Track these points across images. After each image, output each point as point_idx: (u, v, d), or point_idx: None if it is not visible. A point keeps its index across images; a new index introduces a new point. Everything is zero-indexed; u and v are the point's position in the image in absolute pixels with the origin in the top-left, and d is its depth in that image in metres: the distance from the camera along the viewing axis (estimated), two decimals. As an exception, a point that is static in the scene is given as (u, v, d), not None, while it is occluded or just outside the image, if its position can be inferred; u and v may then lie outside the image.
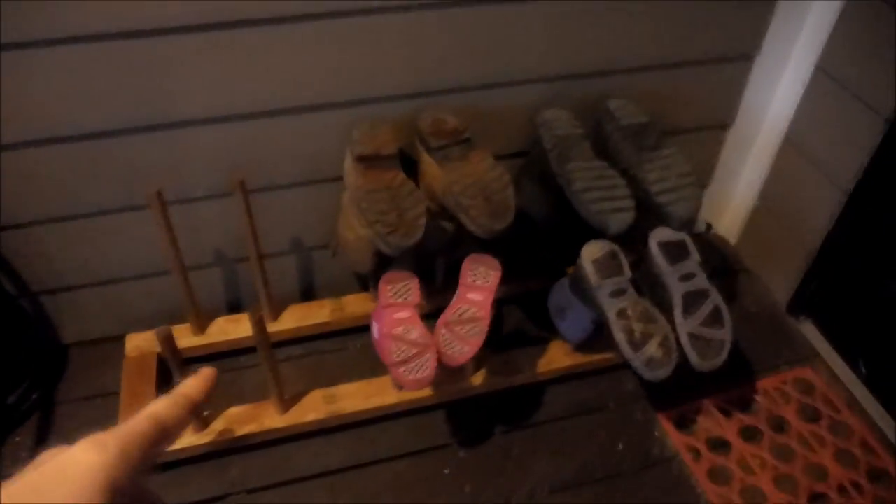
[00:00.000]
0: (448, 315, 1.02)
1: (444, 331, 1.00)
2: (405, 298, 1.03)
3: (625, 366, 1.28)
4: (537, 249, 1.32)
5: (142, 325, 1.29)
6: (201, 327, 1.28)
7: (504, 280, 1.35)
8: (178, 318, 1.27)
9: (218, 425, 1.15)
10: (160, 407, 0.35)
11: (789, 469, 1.19)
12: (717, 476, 1.18)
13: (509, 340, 1.36)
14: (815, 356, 1.38)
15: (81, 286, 1.25)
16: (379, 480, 1.16)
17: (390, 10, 1.06)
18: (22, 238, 1.15)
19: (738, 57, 1.31)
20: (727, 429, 1.25)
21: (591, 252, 1.10)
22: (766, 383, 1.32)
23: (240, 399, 1.21)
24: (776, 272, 1.47)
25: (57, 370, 1.30)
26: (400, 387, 1.07)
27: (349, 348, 1.35)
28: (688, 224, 1.12)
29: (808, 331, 1.41)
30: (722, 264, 1.57)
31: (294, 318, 1.32)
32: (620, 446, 1.22)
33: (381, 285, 1.04)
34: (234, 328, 1.29)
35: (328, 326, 1.32)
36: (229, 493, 1.13)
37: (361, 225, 1.02)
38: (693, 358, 1.06)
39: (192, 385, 0.38)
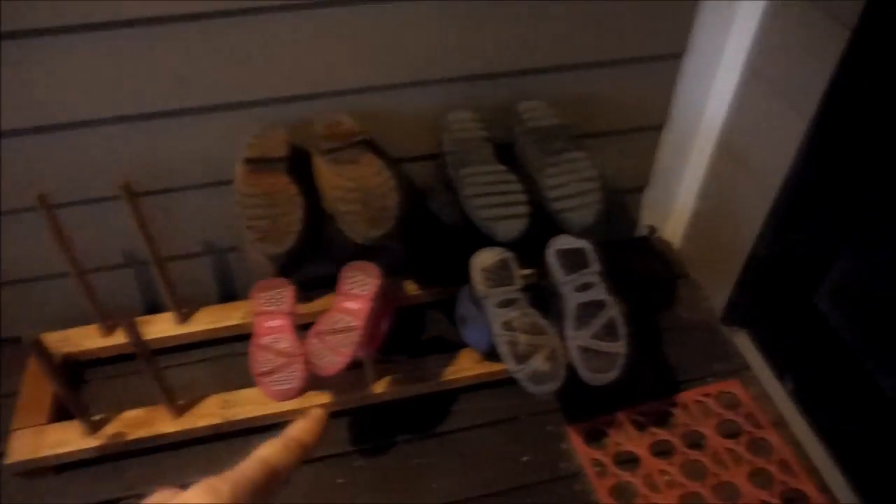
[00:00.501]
0: (321, 324, 0.99)
1: (314, 340, 0.98)
2: (278, 306, 1.00)
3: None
4: (454, 254, 1.28)
5: (55, 324, 1.29)
6: (109, 330, 1.28)
7: (425, 284, 1.34)
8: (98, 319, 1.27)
9: (110, 429, 1.14)
10: (270, 451, 0.34)
11: (698, 487, 1.14)
12: (620, 493, 1.14)
13: (422, 347, 1.33)
14: (746, 369, 1.32)
15: (-8, 284, 1.26)
16: (272, 488, 1.14)
17: (287, 8, 1.03)
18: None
19: (665, 56, 1.25)
20: (639, 443, 1.20)
21: (482, 260, 1.06)
22: (688, 396, 1.27)
23: (148, 402, 1.20)
24: (714, 279, 1.41)
25: (-27, 367, 1.31)
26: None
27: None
28: (587, 232, 1.07)
29: (742, 342, 1.35)
30: (663, 270, 1.51)
31: (206, 321, 1.30)
32: (526, 459, 1.19)
33: (254, 293, 1.02)
34: (144, 329, 1.28)
35: (241, 329, 1.30)
36: (122, 498, 1.13)
37: (244, 227, 1.00)
38: (583, 372, 1.02)
39: (302, 428, 0.36)
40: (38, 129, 1.08)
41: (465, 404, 1.26)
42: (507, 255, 1.07)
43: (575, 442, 1.20)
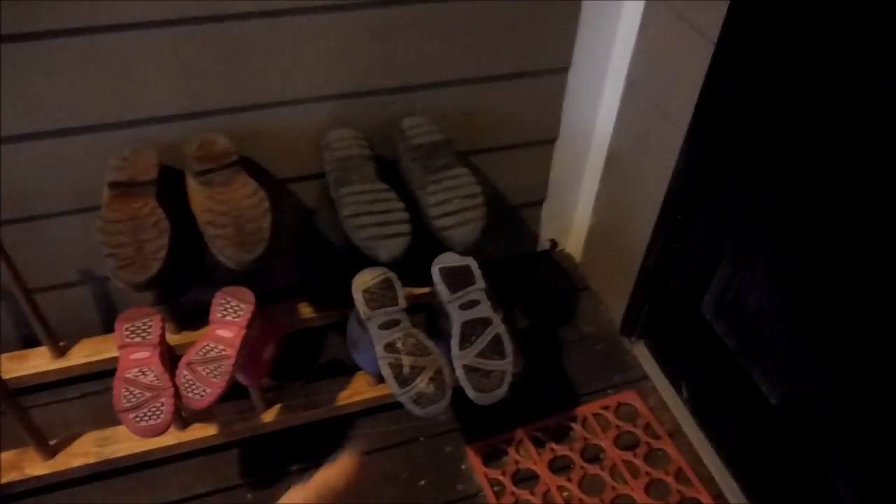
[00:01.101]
0: (191, 354, 0.94)
1: (185, 371, 0.93)
2: (143, 337, 0.95)
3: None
4: (346, 275, 1.25)
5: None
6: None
7: (319, 307, 1.30)
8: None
9: (-27, 475, 1.06)
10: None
11: (596, 502, 1.13)
12: (516, 513, 1.12)
13: (317, 371, 1.29)
14: (644, 379, 1.32)
15: None
16: (156, 528, 1.08)
17: (154, 24, 0.98)
18: None
19: (550, 70, 1.25)
20: (537, 460, 1.18)
21: (363, 281, 1.03)
22: (587, 409, 1.26)
23: (21, 442, 1.12)
24: (613, 291, 1.42)
25: None
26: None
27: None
28: (472, 249, 1.06)
29: (640, 353, 1.36)
30: (565, 283, 1.52)
31: (84, 354, 1.23)
32: (423, 482, 1.16)
33: (118, 324, 0.97)
34: (17, 365, 1.21)
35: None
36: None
37: (103, 255, 0.94)
38: (470, 391, 1.00)
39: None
40: None
41: (361, 429, 1.22)
42: (390, 274, 1.04)
43: (473, 462, 1.18)
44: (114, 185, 1.00)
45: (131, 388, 0.91)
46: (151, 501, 1.11)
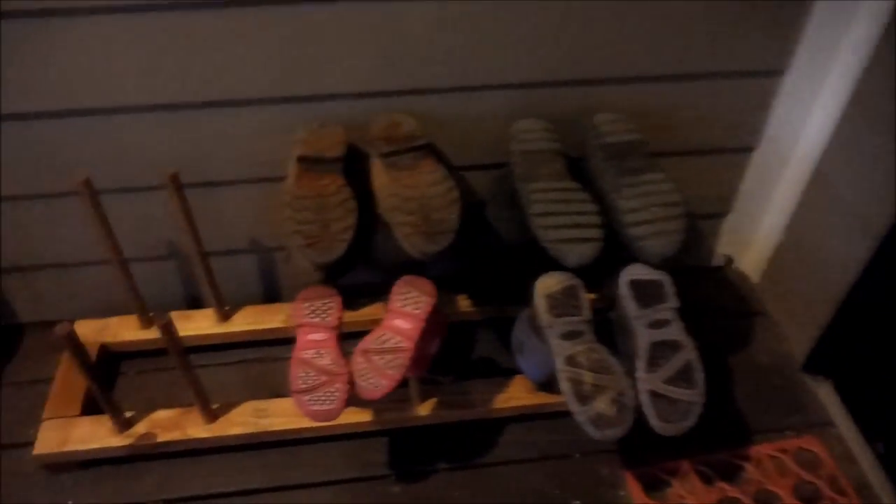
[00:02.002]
0: (368, 341, 0.91)
1: (360, 359, 0.90)
2: (322, 318, 0.93)
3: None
4: (513, 272, 1.19)
5: (97, 311, 1.25)
6: (149, 322, 1.23)
7: (479, 302, 1.25)
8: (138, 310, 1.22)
9: (140, 428, 1.09)
10: None
11: (769, 557, 1.02)
12: (680, 553, 1.03)
13: (470, 368, 1.24)
14: (829, 425, 1.18)
15: (34, 268, 1.22)
16: (301, 505, 1.07)
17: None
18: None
19: (762, 72, 1.13)
20: (704, 498, 1.08)
21: (547, 286, 0.97)
22: (762, 450, 1.14)
23: (183, 400, 1.14)
24: (796, 321, 1.28)
25: (9, 351, 1.28)
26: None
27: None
28: (666, 263, 0.97)
29: (825, 395, 1.22)
30: (739, 305, 1.39)
31: (247, 321, 1.24)
32: (576, 503, 1.08)
33: (298, 301, 0.95)
34: (183, 325, 1.22)
35: (282, 333, 1.24)
36: (146, 502, 1.07)
37: (285, 234, 0.93)
38: (653, 420, 0.91)
39: None
40: (79, 112, 1.03)
41: (513, 435, 1.16)
42: (575, 281, 0.97)
43: (632, 490, 1.09)
44: (302, 160, 0.98)
45: (307, 370, 0.88)
46: (298, 480, 1.10)
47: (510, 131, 1.07)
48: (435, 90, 1.06)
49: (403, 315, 0.93)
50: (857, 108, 1.07)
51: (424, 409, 1.12)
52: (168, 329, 0.93)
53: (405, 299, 0.94)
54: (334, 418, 0.87)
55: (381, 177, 0.99)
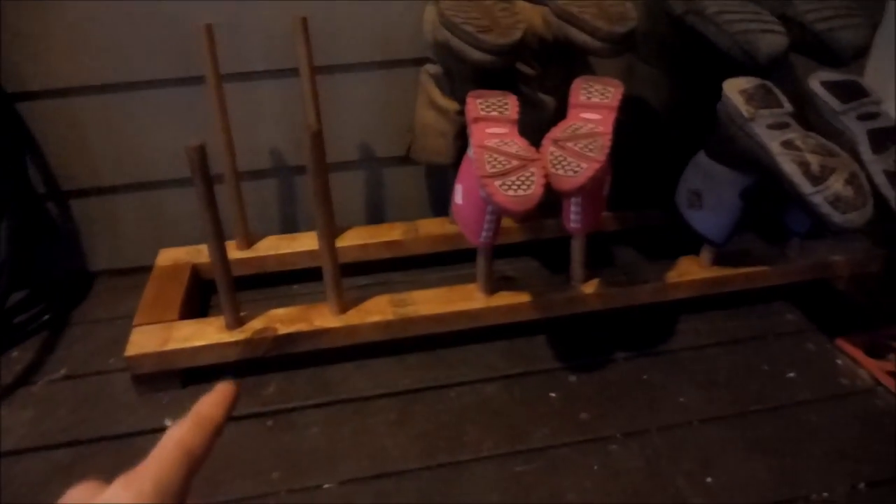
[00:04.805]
0: (557, 132, 0.78)
1: (552, 148, 0.76)
2: (501, 112, 0.80)
3: (782, 294, 1.00)
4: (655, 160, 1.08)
5: (176, 244, 1.09)
6: (249, 243, 1.06)
7: (616, 208, 1.12)
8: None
9: (257, 323, 0.89)
10: (184, 432, 0.31)
11: None
12: (944, 405, 0.83)
13: (623, 266, 1.08)
14: None
15: (115, 189, 1.07)
16: (461, 403, 0.86)
17: None
18: (54, 111, 1.00)
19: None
20: (942, 357, 0.90)
21: (737, 84, 0.86)
22: (980, 315, 0.98)
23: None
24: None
25: (77, 297, 1.08)
26: (494, 212, 0.78)
27: (426, 281, 1.09)
28: (859, 55, 0.88)
29: None
30: None
31: (359, 237, 1.08)
32: (791, 375, 0.89)
33: (470, 100, 0.82)
34: (287, 244, 1.07)
35: (400, 249, 1.08)
36: (264, 413, 0.85)
37: (448, 34, 0.82)
38: (896, 202, 0.77)
39: (211, 403, 0.33)
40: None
41: (689, 324, 0.99)
42: (767, 82, 0.87)
43: (856, 356, 0.91)
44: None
45: (495, 156, 0.74)
46: (454, 379, 0.89)
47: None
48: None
49: (590, 107, 0.80)
50: None
51: (589, 288, 0.95)
52: (316, 136, 0.79)
53: (589, 92, 0.82)
54: (534, 204, 0.71)
55: (529, 9, 0.92)
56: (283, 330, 0.88)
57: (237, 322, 0.88)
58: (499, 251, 1.08)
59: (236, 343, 0.87)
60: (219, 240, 0.83)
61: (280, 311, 0.91)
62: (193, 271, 1.03)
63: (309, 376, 0.90)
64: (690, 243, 0.98)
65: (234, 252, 1.05)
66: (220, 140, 0.97)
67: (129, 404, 0.86)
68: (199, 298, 1.02)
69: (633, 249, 1.14)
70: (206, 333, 0.88)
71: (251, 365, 0.89)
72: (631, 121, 1.01)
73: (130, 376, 0.87)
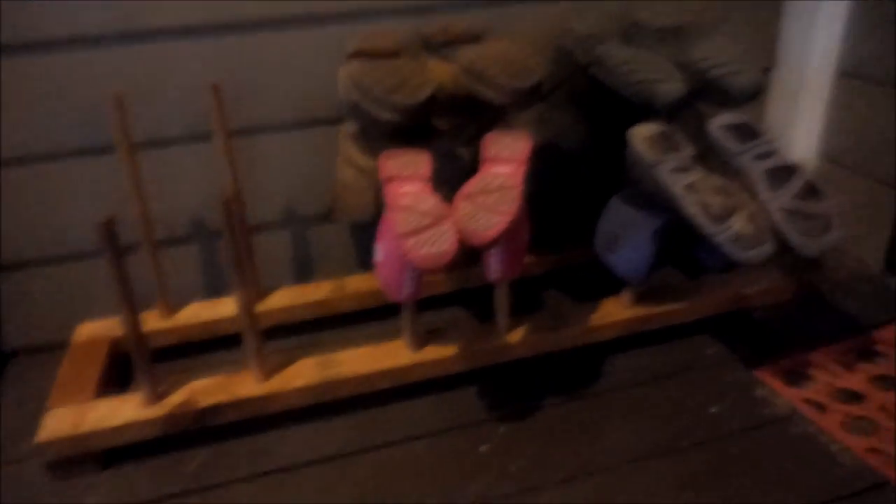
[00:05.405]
0: (469, 187, 0.79)
1: (465, 203, 0.77)
2: (414, 171, 0.81)
3: (701, 327, 1.02)
4: (572, 201, 1.11)
5: (96, 316, 1.05)
6: (171, 312, 1.04)
7: (537, 252, 1.13)
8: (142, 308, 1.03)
9: (177, 397, 0.86)
10: None
11: (954, 414, 0.87)
12: (857, 428, 0.86)
13: (548, 311, 1.10)
14: (939, 308, 1.10)
15: (27, 263, 1.04)
16: (391, 464, 0.85)
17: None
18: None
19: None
20: (853, 380, 0.94)
21: (641, 132, 0.89)
22: (885, 334, 1.03)
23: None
24: (861, 233, 1.23)
25: (-11, 379, 1.03)
26: (410, 269, 0.78)
27: (356, 339, 1.07)
28: (752, 98, 0.93)
29: (920, 285, 1.14)
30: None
31: (285, 299, 1.07)
32: (714, 410, 0.91)
33: (382, 160, 0.83)
34: (210, 311, 1.05)
35: (328, 307, 1.07)
36: (187, 491, 0.82)
37: (358, 95, 0.83)
38: (794, 238, 0.81)
39: None
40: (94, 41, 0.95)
41: (616, 364, 1.01)
42: (667, 128, 0.91)
43: (774, 386, 0.94)
44: (357, 55, 0.92)
45: (409, 214, 0.75)
46: (381, 440, 0.88)
47: (562, 28, 1.05)
48: (479, 3, 1.05)
49: (500, 160, 0.82)
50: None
51: (515, 336, 0.96)
52: (227, 205, 0.78)
53: (499, 146, 0.84)
54: (448, 260, 0.72)
55: (441, 67, 0.94)
56: (204, 402, 0.86)
57: (156, 397, 0.86)
58: (428, 302, 1.09)
59: (155, 420, 0.84)
60: (132, 313, 0.81)
61: (202, 382, 0.89)
62: (112, 345, 0.99)
63: (235, 447, 0.88)
64: (615, 281, 1.00)
65: (156, 322, 1.02)
66: (135, 208, 0.95)
67: (47, 493, 0.82)
68: (119, 373, 0.99)
69: (560, 291, 1.16)
70: (124, 411, 0.85)
71: (174, 440, 0.87)
72: (547, 166, 1.05)
73: (46, 463, 0.83)
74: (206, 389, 0.88)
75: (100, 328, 1.02)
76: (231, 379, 0.89)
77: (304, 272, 1.16)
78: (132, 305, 0.80)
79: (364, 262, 1.17)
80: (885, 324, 1.06)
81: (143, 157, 0.96)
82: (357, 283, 1.10)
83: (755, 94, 0.92)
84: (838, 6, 1.18)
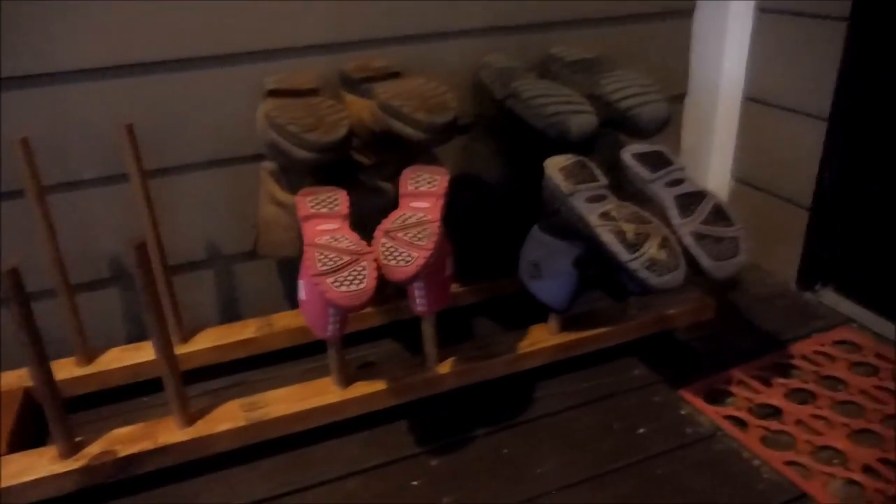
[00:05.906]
0: (388, 223, 0.79)
1: (384, 239, 0.77)
2: (331, 209, 0.81)
3: (628, 349, 1.05)
4: (494, 232, 1.12)
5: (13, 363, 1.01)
6: (89, 358, 1.01)
7: (466, 281, 1.15)
8: (62, 353, 0.99)
9: (95, 448, 0.83)
10: None
11: (863, 424, 0.91)
12: (776, 443, 0.89)
13: (477, 340, 1.10)
14: (849, 321, 1.14)
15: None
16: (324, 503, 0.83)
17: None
18: None
19: (675, 12, 1.25)
20: (772, 396, 0.97)
21: (557, 162, 0.92)
22: (801, 349, 1.07)
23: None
24: (775, 251, 1.28)
25: None
26: (332, 307, 0.77)
27: (285, 377, 1.05)
28: (660, 128, 0.96)
29: (830, 299, 1.19)
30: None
31: (211, 339, 1.05)
32: (642, 431, 0.93)
33: (299, 198, 0.83)
34: (131, 355, 1.02)
35: (255, 346, 1.05)
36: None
37: (273, 134, 0.83)
38: (704, 261, 0.84)
39: None
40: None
41: (547, 390, 1.02)
42: (582, 158, 0.93)
43: (696, 405, 0.96)
44: (274, 93, 0.92)
45: (325, 253, 0.74)
46: (313, 479, 0.87)
47: (480, 62, 1.07)
48: (399, 39, 1.07)
49: (419, 195, 0.83)
50: (766, 17, 1.20)
51: (444, 368, 0.96)
52: (142, 253, 0.76)
53: (417, 181, 0.85)
54: (367, 299, 0.72)
55: (358, 104, 0.95)
56: (124, 451, 0.83)
57: (72, 449, 0.82)
58: (359, 336, 1.09)
59: (71, 473, 0.81)
60: (40, 362, 0.77)
61: (122, 431, 0.86)
62: (27, 396, 0.95)
63: (159, 497, 0.85)
64: (543, 309, 1.01)
65: (74, 369, 0.99)
66: (47, 253, 0.92)
67: (-51, 559, 0.78)
68: (35, 425, 0.95)
69: (489, 319, 1.17)
70: (38, 466, 0.81)
71: (95, 492, 0.83)
72: (469, 196, 1.06)
73: (-50, 527, 0.79)
74: (126, 437, 0.85)
75: (13, 378, 0.97)
76: (153, 425, 0.87)
77: (231, 311, 1.14)
78: (41, 354, 0.77)
79: (292, 298, 1.16)
80: (801, 338, 1.10)
81: (58, 200, 0.94)
82: (286, 320, 1.08)
83: (662, 126, 0.96)
84: (743, 34, 1.24)
